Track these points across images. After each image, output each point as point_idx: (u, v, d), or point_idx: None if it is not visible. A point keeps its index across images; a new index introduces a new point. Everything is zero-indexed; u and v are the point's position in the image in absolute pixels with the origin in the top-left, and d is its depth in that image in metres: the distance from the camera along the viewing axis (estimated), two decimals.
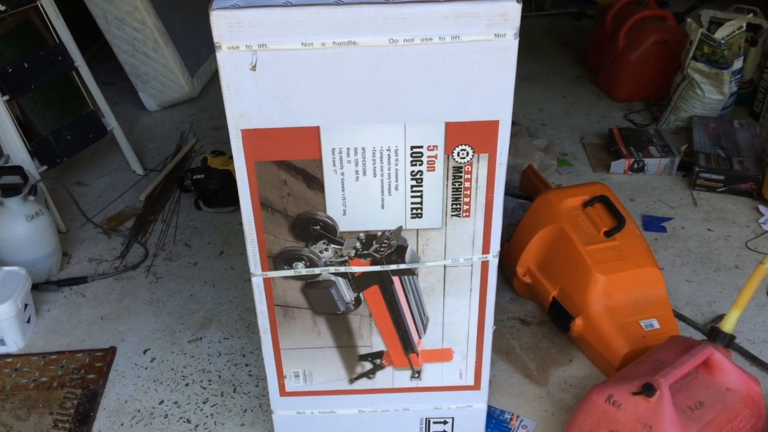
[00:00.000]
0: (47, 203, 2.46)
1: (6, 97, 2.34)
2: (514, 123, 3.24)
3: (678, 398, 1.49)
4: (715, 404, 1.52)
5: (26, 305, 2.05)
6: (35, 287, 2.21)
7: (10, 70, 2.36)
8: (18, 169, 2.19)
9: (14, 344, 2.01)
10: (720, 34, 2.92)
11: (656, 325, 1.88)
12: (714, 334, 1.62)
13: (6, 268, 2.05)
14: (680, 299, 2.20)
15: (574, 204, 2.06)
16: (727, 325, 1.61)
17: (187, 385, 1.93)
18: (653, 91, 3.39)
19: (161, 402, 1.88)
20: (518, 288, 2.18)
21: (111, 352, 2.03)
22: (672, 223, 2.57)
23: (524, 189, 2.59)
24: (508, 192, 2.54)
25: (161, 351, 2.04)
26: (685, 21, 3.15)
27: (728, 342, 1.60)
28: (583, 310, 1.91)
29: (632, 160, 2.85)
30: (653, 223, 2.57)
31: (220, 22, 1.15)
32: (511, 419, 1.80)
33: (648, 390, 1.46)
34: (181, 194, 2.75)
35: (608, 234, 1.98)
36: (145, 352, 2.04)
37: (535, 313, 2.15)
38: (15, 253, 2.19)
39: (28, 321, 2.07)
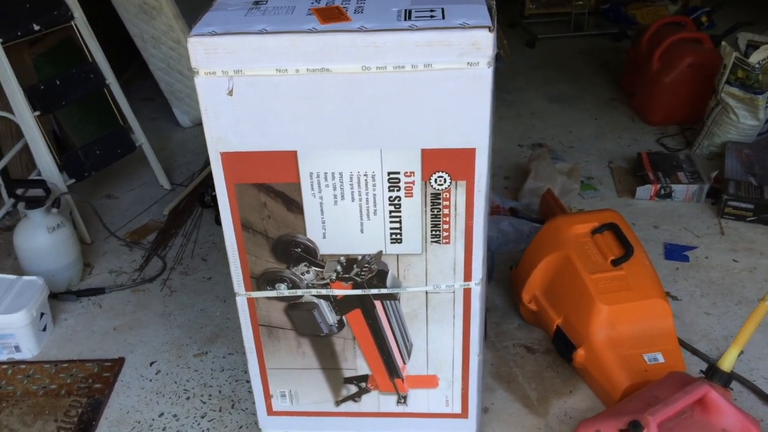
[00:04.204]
0: (72, 215, 2.55)
1: (37, 113, 2.45)
2: (539, 145, 3.25)
3: None
4: None
5: (42, 314, 2.13)
6: (55, 296, 2.30)
7: (42, 87, 2.47)
8: (41, 183, 2.28)
9: (29, 351, 2.09)
10: (755, 58, 2.82)
11: (661, 359, 1.82)
12: (711, 372, 1.56)
13: (25, 278, 2.14)
14: (696, 332, 2.12)
15: (583, 231, 2.02)
16: (726, 363, 1.54)
17: (188, 398, 1.96)
18: (688, 114, 3.30)
19: (161, 414, 1.91)
20: (525, 314, 2.14)
21: (119, 362, 2.09)
22: (696, 253, 2.49)
23: (543, 213, 2.55)
24: (524, 216, 2.51)
25: (167, 364, 2.08)
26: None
27: (726, 381, 1.54)
28: (586, 340, 1.87)
29: (659, 185, 2.77)
30: (676, 252, 2.50)
31: (197, 48, 1.18)
32: None
33: (634, 428, 1.41)
34: (203, 210, 2.81)
35: (615, 263, 1.93)
36: (151, 364, 2.09)
37: (542, 341, 2.11)
38: (36, 262, 2.28)
39: (44, 329, 2.15)
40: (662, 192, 2.78)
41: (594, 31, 4.61)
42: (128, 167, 3.10)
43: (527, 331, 2.15)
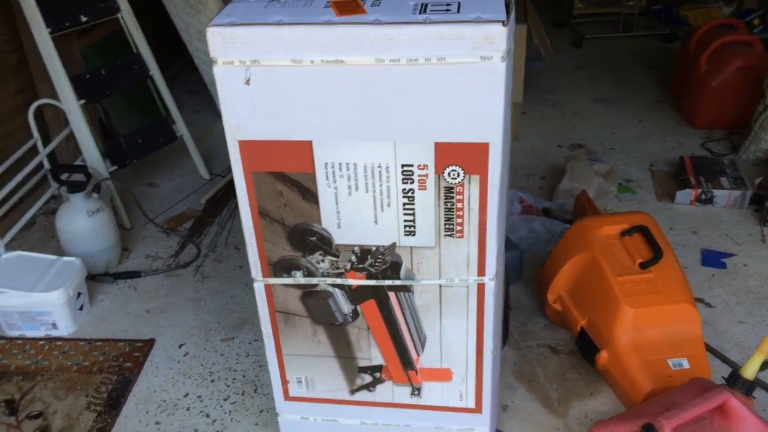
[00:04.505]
0: (113, 201, 2.63)
1: (82, 101, 2.54)
2: (579, 146, 3.20)
3: None
4: None
5: (79, 294, 2.21)
6: (93, 278, 2.38)
7: (88, 77, 2.56)
8: (82, 168, 2.36)
9: (65, 329, 2.17)
10: None
11: (686, 365, 1.78)
12: (734, 379, 1.51)
13: (64, 259, 2.23)
14: (728, 341, 2.07)
15: (612, 232, 1.99)
16: (749, 371, 1.50)
17: (212, 381, 2.01)
18: (736, 119, 3.20)
19: (186, 395, 1.97)
20: (550, 314, 2.12)
21: (150, 343, 2.15)
22: (734, 260, 2.42)
23: (577, 214, 2.51)
24: (556, 216, 2.48)
25: (195, 347, 2.14)
26: None
27: (748, 389, 1.50)
28: (610, 342, 1.84)
29: (699, 190, 2.71)
30: (713, 258, 2.43)
31: (215, 38, 1.21)
32: None
33: (648, 431, 1.39)
34: None
35: (643, 266, 1.89)
36: (180, 346, 2.15)
37: (567, 341, 2.08)
38: (76, 244, 2.37)
39: (81, 308, 2.23)
40: (703, 197, 2.71)
41: (644, 31, 4.51)
42: (170, 157, 3.18)
43: (552, 331, 2.13)
